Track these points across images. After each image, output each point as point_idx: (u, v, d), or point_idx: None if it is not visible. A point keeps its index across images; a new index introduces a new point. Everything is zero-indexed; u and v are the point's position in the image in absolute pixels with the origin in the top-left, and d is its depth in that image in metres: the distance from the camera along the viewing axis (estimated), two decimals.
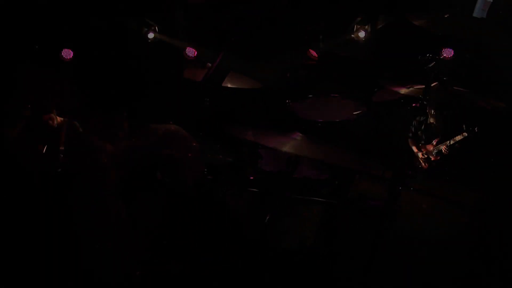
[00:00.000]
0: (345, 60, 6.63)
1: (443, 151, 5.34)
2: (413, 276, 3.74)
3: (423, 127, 5.57)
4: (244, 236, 3.83)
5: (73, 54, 6.35)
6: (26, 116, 5.20)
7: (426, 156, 5.47)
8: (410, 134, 5.69)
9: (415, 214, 4.20)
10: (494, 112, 5.00)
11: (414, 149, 5.60)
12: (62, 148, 5.31)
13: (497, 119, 5.29)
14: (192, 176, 4.22)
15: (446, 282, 3.75)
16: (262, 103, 5.98)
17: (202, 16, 6.27)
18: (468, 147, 5.26)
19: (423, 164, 5.47)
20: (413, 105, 5.53)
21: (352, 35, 6.23)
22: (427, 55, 5.53)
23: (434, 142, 5.44)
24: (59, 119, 5.45)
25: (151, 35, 6.31)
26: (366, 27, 6.12)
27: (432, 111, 5.44)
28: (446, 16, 5.72)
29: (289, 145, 4.00)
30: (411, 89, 5.27)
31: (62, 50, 6.32)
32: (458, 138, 5.21)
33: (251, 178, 5.56)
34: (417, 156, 5.54)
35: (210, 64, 6.34)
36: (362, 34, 6.13)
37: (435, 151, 5.41)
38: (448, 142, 5.26)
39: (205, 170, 4.71)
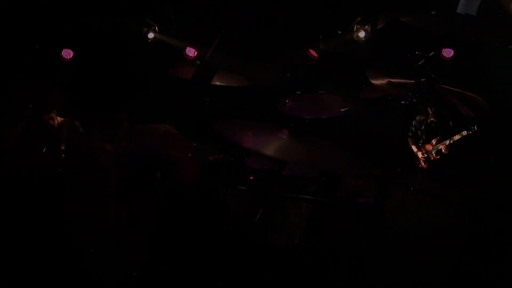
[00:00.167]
0: (343, 59, 6.64)
1: (443, 150, 5.34)
2: (404, 273, 3.73)
3: (423, 126, 5.58)
4: (243, 235, 3.83)
5: (73, 54, 6.36)
6: (26, 116, 5.20)
7: (426, 155, 5.47)
8: (410, 134, 5.70)
9: (404, 211, 4.19)
10: (477, 115, 5.03)
11: (414, 148, 5.61)
12: (62, 148, 5.32)
13: (486, 120, 5.29)
14: (189, 176, 4.23)
15: (436, 279, 3.75)
16: (249, 101, 5.98)
17: (198, 13, 6.25)
18: (458, 146, 5.28)
19: (423, 163, 5.48)
20: (402, 102, 5.53)
21: (353, 35, 6.24)
22: (417, 52, 5.54)
23: (433, 142, 5.44)
24: (59, 119, 5.46)
25: (151, 35, 6.32)
26: (366, 27, 6.12)
27: (432, 111, 5.45)
28: (432, 13, 5.73)
29: (275, 145, 4.00)
30: (392, 83, 5.31)
31: (62, 50, 6.33)
32: (457, 137, 5.21)
33: (251, 178, 5.57)
34: (417, 156, 5.55)
35: (199, 62, 6.35)
36: (362, 34, 6.13)
37: (434, 151, 5.42)
38: (447, 141, 5.26)
39: (201, 170, 4.70)
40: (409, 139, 5.67)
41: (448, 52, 6.07)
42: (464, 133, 5.15)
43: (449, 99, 5.06)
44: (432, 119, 5.48)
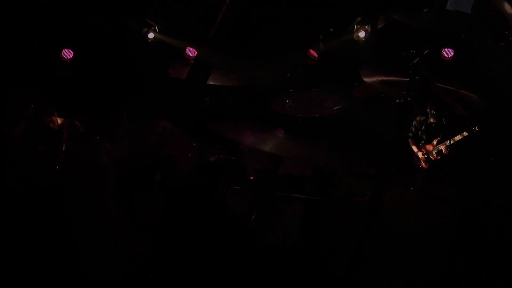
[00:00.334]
0: (343, 59, 6.64)
1: (443, 151, 5.34)
2: (399, 273, 3.72)
3: (423, 127, 5.58)
4: (240, 236, 3.83)
5: (73, 54, 6.36)
6: (27, 116, 5.20)
7: (426, 156, 5.47)
8: (411, 134, 5.70)
9: (401, 210, 4.17)
10: (472, 114, 5.04)
11: (415, 148, 5.60)
12: (63, 148, 5.33)
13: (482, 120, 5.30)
14: (186, 169, 4.23)
15: (433, 279, 3.74)
16: (244, 100, 5.99)
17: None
18: (459, 146, 5.28)
19: (423, 164, 5.48)
20: (397, 101, 5.52)
21: (353, 35, 6.24)
22: (411, 51, 5.53)
23: (434, 142, 5.44)
24: (60, 119, 5.46)
25: (151, 35, 6.31)
26: (366, 27, 6.12)
27: (432, 111, 5.45)
28: (425, 10, 5.75)
29: (271, 143, 4.00)
30: (384, 81, 5.31)
31: (62, 50, 6.33)
32: (458, 137, 5.20)
33: (251, 178, 5.57)
34: (418, 156, 5.54)
35: (192, 62, 6.35)
36: (362, 34, 6.13)
37: (435, 151, 5.41)
38: (448, 142, 5.26)
39: (201, 169, 4.71)
40: (410, 140, 5.67)
41: (448, 52, 6.07)
42: (465, 133, 5.14)
43: (443, 98, 5.07)
44: (432, 120, 5.48)
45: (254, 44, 6.64)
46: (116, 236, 4.63)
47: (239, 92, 6.12)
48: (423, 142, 5.56)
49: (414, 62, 5.22)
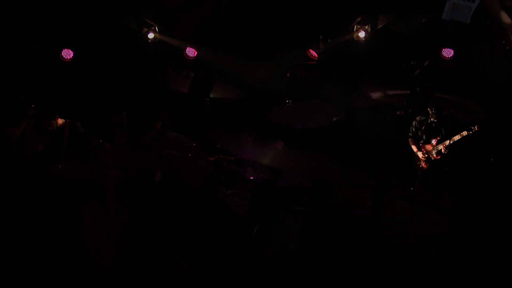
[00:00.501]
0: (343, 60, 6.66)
1: (442, 150, 5.33)
2: (398, 282, 3.69)
3: (423, 127, 5.58)
4: (239, 247, 3.81)
5: (73, 54, 6.36)
6: (29, 116, 5.22)
7: (426, 155, 5.47)
8: (410, 134, 5.70)
9: (399, 220, 4.14)
10: (474, 120, 5.08)
11: (414, 148, 5.60)
12: (64, 148, 5.34)
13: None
14: (195, 176, 4.23)
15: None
16: (244, 112, 6.01)
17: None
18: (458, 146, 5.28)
19: (423, 164, 5.48)
20: (398, 113, 5.58)
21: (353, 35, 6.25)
22: (412, 62, 5.54)
23: (434, 142, 5.44)
24: (61, 120, 5.47)
25: (151, 35, 6.31)
26: (366, 27, 6.12)
27: (432, 111, 5.45)
28: (423, 21, 5.81)
29: (270, 156, 4.00)
30: (387, 95, 5.36)
31: (62, 50, 6.33)
32: (457, 137, 5.20)
33: (251, 178, 5.58)
34: (417, 156, 5.54)
35: (192, 74, 6.37)
36: (362, 34, 6.13)
37: (435, 151, 5.41)
38: (447, 142, 5.26)
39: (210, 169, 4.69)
40: (410, 139, 5.67)
41: (448, 52, 6.08)
42: (464, 133, 5.14)
43: (445, 107, 5.08)
44: (432, 120, 5.48)
45: (254, 44, 6.65)
46: (115, 235, 4.64)
47: (238, 104, 6.14)
48: (422, 142, 5.56)
49: (415, 74, 5.29)
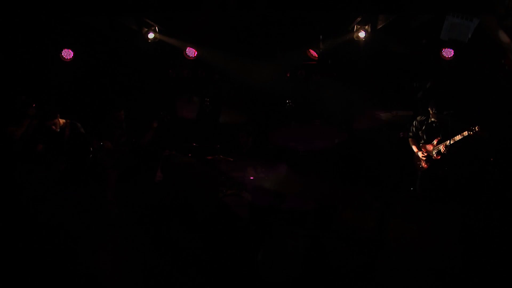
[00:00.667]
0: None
1: (442, 150, 5.33)
2: None
3: (423, 127, 5.57)
4: (243, 271, 3.78)
5: (73, 54, 6.36)
6: (31, 116, 5.22)
7: (426, 155, 5.46)
8: (411, 134, 5.69)
9: (403, 241, 4.11)
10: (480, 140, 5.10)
11: (415, 148, 5.60)
12: (64, 148, 5.35)
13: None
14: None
15: None
16: (248, 134, 6.03)
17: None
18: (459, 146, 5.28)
19: (423, 164, 5.47)
20: (401, 135, 5.62)
21: (353, 35, 6.26)
22: (414, 84, 5.55)
23: (434, 142, 5.43)
24: (61, 120, 5.47)
25: (151, 35, 6.31)
26: (366, 27, 6.12)
27: (433, 111, 5.44)
28: (423, 42, 5.86)
29: (274, 179, 3.98)
30: (395, 115, 5.38)
31: (62, 50, 6.33)
32: (458, 137, 5.19)
33: (251, 178, 5.57)
34: (418, 156, 5.54)
35: (196, 98, 6.38)
36: (362, 34, 6.13)
37: (435, 151, 5.41)
38: (447, 142, 5.25)
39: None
40: (410, 139, 5.67)
41: (448, 52, 6.08)
42: (465, 133, 5.13)
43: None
44: (432, 120, 5.47)
45: (254, 44, 6.64)
46: (116, 236, 4.63)
47: (242, 127, 6.15)
48: (423, 142, 5.55)
49: (419, 96, 5.33)
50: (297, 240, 3.95)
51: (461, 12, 4.92)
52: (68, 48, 6.34)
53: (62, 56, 6.34)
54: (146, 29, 6.30)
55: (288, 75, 6.80)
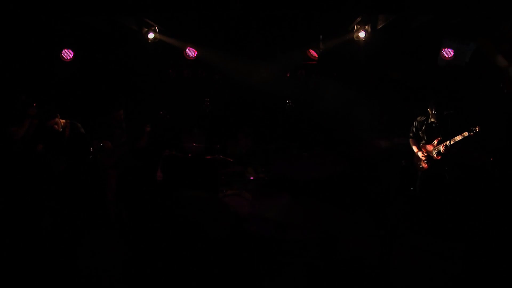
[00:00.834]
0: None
1: (441, 150, 5.33)
2: None
3: (423, 127, 5.57)
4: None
5: (73, 54, 6.36)
6: (31, 115, 5.22)
7: (426, 155, 5.47)
8: (411, 134, 5.70)
9: (407, 269, 4.08)
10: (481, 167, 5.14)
11: (415, 148, 5.60)
12: (64, 148, 5.35)
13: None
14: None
15: None
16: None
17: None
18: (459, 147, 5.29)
19: (423, 164, 5.47)
20: (403, 163, 5.63)
21: (353, 35, 6.26)
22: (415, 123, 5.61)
23: (434, 142, 5.43)
24: (62, 121, 5.47)
25: (151, 35, 6.31)
26: (366, 27, 6.13)
27: (433, 111, 5.45)
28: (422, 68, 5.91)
29: (276, 209, 3.93)
30: (394, 143, 5.40)
31: (62, 50, 6.33)
32: (458, 138, 5.19)
33: (251, 178, 5.58)
34: (418, 156, 5.54)
35: (198, 130, 6.35)
36: (362, 34, 6.14)
37: (435, 151, 5.41)
38: (448, 142, 5.26)
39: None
40: (410, 140, 5.68)
41: (448, 52, 6.08)
42: (465, 134, 5.13)
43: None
44: (432, 120, 5.48)
45: (254, 44, 6.64)
46: (116, 236, 4.63)
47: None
48: (423, 142, 5.56)
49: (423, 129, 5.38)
50: (298, 270, 3.92)
51: (458, 36, 5.00)
52: (68, 48, 6.34)
53: (62, 56, 6.33)
54: (146, 29, 6.30)
55: (288, 75, 6.80)
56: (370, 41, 6.19)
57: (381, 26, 6.12)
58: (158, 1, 5.62)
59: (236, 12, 5.61)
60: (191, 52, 6.60)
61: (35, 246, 4.23)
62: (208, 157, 5.56)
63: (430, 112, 5.47)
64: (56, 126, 5.27)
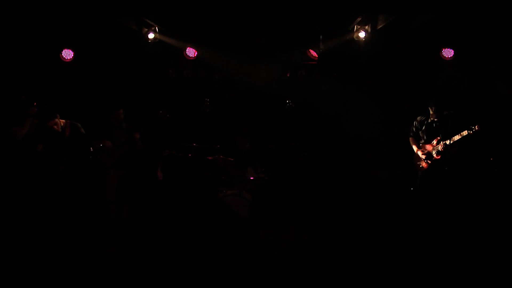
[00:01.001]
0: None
1: (440, 149, 5.33)
2: None
3: (423, 127, 5.57)
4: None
5: (73, 54, 6.36)
6: (32, 115, 5.22)
7: (426, 155, 5.47)
8: (411, 134, 5.70)
9: (406, 269, 4.06)
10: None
11: (415, 148, 5.61)
12: (65, 148, 5.35)
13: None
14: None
15: None
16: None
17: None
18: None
19: (423, 163, 5.48)
20: (411, 190, 5.63)
21: (353, 35, 6.26)
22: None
23: (434, 142, 5.44)
24: (62, 121, 5.48)
25: (151, 35, 6.31)
26: (366, 27, 6.13)
27: (433, 111, 5.45)
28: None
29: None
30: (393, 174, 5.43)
31: (62, 50, 6.33)
32: (458, 137, 5.19)
33: (251, 178, 5.58)
34: (418, 155, 5.55)
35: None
36: (362, 34, 6.14)
37: (435, 151, 5.41)
38: (447, 141, 5.26)
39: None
40: (410, 139, 5.68)
41: (448, 52, 6.09)
42: (465, 133, 5.12)
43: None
44: (432, 119, 5.48)
45: (254, 44, 6.64)
46: (116, 236, 4.62)
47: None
48: (423, 141, 5.56)
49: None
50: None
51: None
52: (68, 48, 6.34)
53: (62, 56, 6.33)
54: (146, 29, 6.30)
55: (288, 75, 6.80)
56: (370, 41, 6.19)
57: (381, 26, 6.12)
58: (158, 1, 5.63)
59: (236, 13, 5.61)
60: (191, 52, 6.60)
61: (35, 246, 4.23)
62: (210, 158, 5.56)
63: (430, 111, 5.47)
64: (56, 126, 5.27)
